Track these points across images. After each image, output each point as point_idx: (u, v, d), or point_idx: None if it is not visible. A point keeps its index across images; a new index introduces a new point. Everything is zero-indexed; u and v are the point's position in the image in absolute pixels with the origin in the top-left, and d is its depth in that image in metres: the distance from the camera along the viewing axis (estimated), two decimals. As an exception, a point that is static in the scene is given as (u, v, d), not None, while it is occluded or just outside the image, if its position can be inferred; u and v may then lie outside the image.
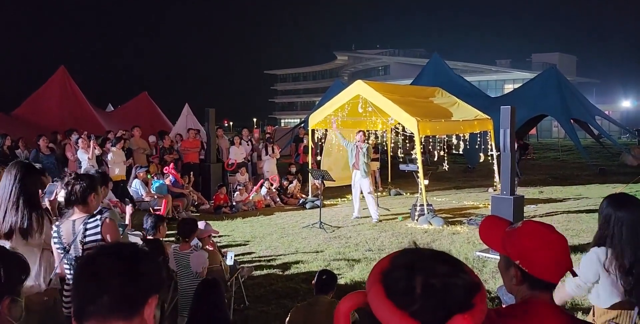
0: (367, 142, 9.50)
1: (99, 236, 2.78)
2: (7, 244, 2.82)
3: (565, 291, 2.49)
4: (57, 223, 2.89)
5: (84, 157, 9.31)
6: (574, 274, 1.47)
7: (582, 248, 6.48)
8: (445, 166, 10.76)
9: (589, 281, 2.38)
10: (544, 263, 1.33)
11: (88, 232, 2.79)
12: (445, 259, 0.97)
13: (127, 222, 3.85)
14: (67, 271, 2.87)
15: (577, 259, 5.98)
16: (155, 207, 9.03)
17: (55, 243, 2.84)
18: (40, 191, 3.09)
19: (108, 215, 2.84)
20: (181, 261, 4.19)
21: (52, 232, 2.88)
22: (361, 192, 9.20)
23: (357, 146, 9.11)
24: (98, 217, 2.82)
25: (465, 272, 0.96)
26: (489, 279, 5.48)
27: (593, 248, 2.42)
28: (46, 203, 3.27)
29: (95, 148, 9.39)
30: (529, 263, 1.35)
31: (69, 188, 2.84)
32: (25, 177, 2.95)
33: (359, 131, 9.43)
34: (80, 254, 2.77)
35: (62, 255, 2.84)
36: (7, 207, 2.88)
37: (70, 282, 2.84)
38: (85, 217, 2.82)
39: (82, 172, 6.30)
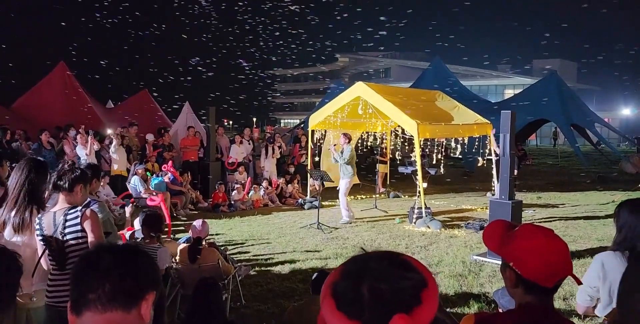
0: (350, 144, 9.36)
1: (78, 227, 2.74)
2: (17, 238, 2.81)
3: (577, 304, 2.48)
4: (39, 216, 2.84)
5: (82, 153, 9.31)
6: (577, 281, 1.44)
7: (579, 255, 6.49)
8: (442, 170, 10.75)
9: (590, 284, 2.36)
10: (535, 265, 1.31)
11: (68, 224, 2.74)
12: (392, 261, 0.93)
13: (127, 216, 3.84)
14: (50, 263, 2.80)
15: (576, 265, 6.01)
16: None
17: (37, 236, 2.79)
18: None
19: (93, 207, 2.80)
20: None
21: (34, 225, 2.83)
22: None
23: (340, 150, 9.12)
24: (79, 208, 2.78)
25: (411, 270, 0.92)
26: (486, 283, 5.48)
27: (598, 254, 2.42)
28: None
29: (93, 144, 9.39)
30: (521, 264, 1.33)
31: (60, 173, 2.81)
32: (34, 174, 2.94)
33: (343, 134, 9.38)
34: (62, 246, 2.72)
35: (44, 247, 2.78)
36: (7, 201, 2.89)
37: (53, 272, 2.79)
38: (66, 209, 2.78)
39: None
